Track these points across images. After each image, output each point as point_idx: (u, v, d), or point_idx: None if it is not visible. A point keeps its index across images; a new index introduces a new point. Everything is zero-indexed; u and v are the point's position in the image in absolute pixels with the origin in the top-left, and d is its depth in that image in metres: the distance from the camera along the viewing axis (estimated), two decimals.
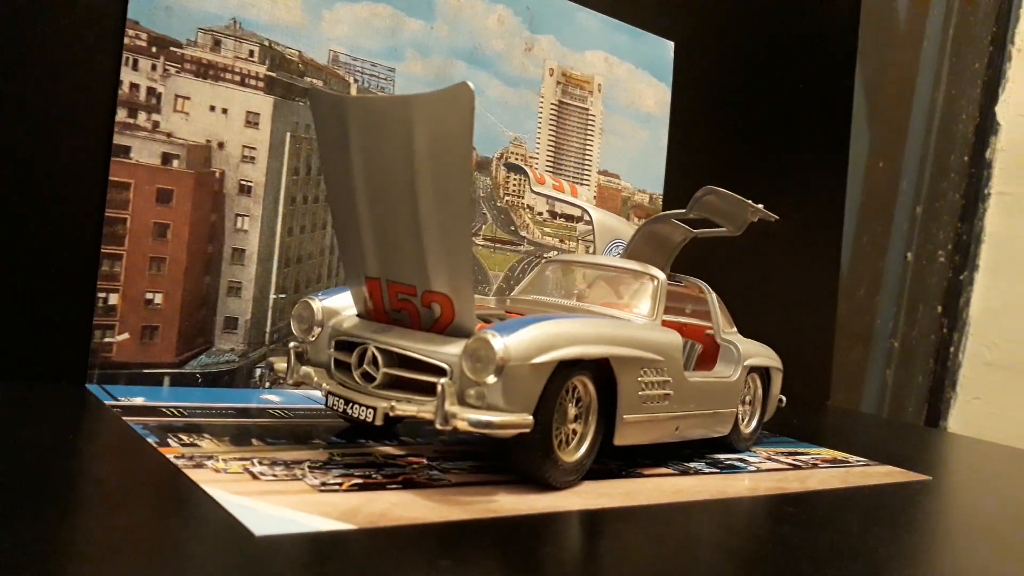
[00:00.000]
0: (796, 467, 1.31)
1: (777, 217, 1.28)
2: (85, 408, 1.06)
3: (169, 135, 1.25)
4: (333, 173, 0.97)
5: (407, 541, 0.73)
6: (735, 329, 1.42)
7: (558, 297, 1.25)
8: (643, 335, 1.07)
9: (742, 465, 1.26)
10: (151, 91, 1.23)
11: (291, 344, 1.02)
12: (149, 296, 1.24)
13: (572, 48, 1.73)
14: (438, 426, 0.85)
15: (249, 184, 1.33)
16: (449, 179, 0.86)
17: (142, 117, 1.23)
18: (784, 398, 1.51)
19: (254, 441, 0.99)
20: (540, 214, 1.71)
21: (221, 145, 1.30)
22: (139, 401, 1.13)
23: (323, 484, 0.85)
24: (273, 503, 0.77)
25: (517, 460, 0.94)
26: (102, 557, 0.60)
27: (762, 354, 1.39)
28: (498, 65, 1.62)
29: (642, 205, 1.86)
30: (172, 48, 1.25)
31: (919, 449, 1.78)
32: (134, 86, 1.22)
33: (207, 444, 0.95)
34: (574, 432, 0.99)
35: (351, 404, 0.92)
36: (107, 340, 1.20)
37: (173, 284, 1.26)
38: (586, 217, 1.39)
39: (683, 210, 1.21)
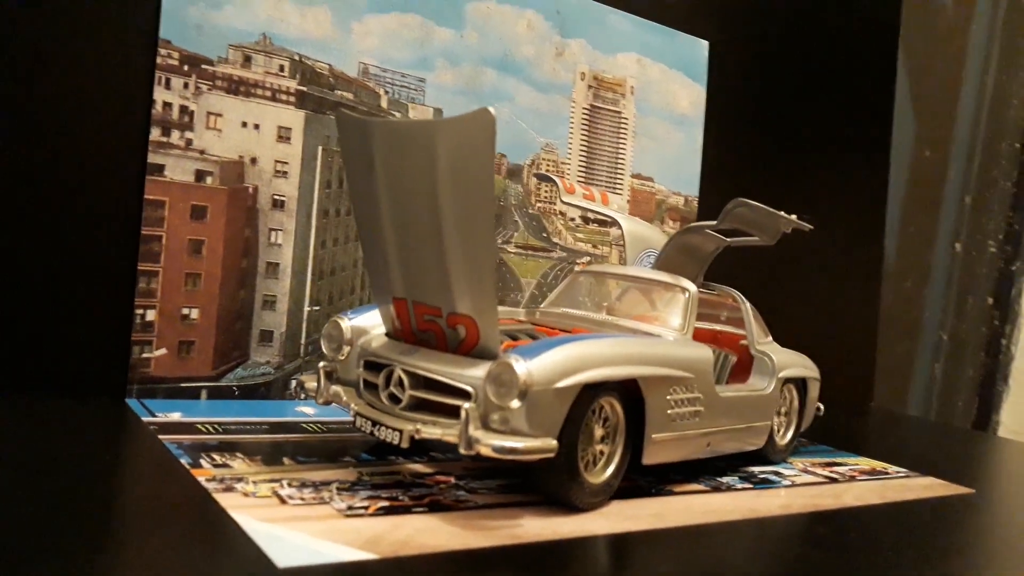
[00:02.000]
0: (832, 480, 1.29)
1: (813, 227, 1.26)
2: (122, 425, 1.09)
3: (202, 152, 1.27)
4: (359, 195, 0.98)
5: (428, 570, 0.73)
6: (770, 339, 1.40)
7: (588, 310, 1.25)
8: (673, 352, 1.06)
9: (776, 479, 1.24)
10: (184, 109, 1.25)
11: (321, 364, 1.03)
12: (185, 311, 1.26)
13: (603, 51, 1.72)
14: (462, 451, 0.86)
15: (282, 199, 1.34)
16: (471, 203, 0.86)
17: (175, 135, 1.25)
18: (822, 407, 1.49)
19: (285, 460, 1.01)
20: (572, 220, 1.70)
21: (254, 161, 1.31)
22: (176, 416, 1.15)
23: (349, 508, 0.86)
24: (299, 530, 0.78)
25: (542, 483, 0.94)
26: None
27: (798, 364, 1.37)
28: (529, 71, 1.61)
29: (677, 208, 1.84)
30: (203, 66, 1.27)
31: (963, 457, 1.74)
32: (167, 105, 1.24)
33: (238, 464, 0.97)
34: (601, 453, 0.99)
35: (378, 426, 0.92)
36: (145, 355, 1.23)
37: (209, 299, 1.28)
38: (618, 227, 1.37)
39: (714, 221, 1.19)
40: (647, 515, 0.98)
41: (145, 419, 1.12)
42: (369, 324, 1.05)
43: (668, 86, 1.82)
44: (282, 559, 0.70)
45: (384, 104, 1.45)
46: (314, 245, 1.38)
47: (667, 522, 0.96)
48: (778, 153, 2.01)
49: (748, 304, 1.35)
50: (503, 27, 1.57)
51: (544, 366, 0.87)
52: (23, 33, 1.14)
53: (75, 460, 0.91)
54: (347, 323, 1.05)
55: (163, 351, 1.24)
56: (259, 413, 1.23)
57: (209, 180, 1.27)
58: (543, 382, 0.87)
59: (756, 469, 1.28)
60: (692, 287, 1.21)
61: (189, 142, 1.26)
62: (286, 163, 1.34)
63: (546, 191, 1.64)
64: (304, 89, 1.35)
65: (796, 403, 1.38)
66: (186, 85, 1.25)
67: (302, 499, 0.87)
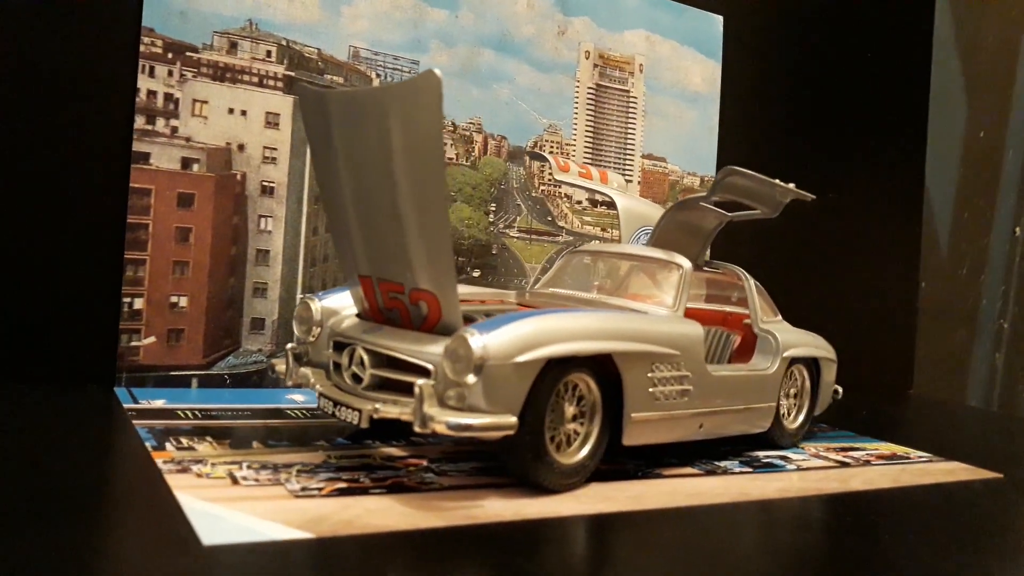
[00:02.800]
0: (844, 464, 1.21)
1: (813, 197, 1.19)
2: (103, 411, 1.09)
3: (188, 139, 1.26)
4: (321, 171, 0.95)
5: (362, 550, 0.70)
6: (779, 317, 1.33)
7: (579, 290, 1.20)
8: (655, 328, 1.01)
9: (781, 464, 1.18)
10: (168, 97, 1.25)
11: (289, 346, 1.01)
12: (174, 299, 1.26)
13: (609, 28, 1.67)
14: (417, 429, 0.82)
15: (271, 185, 1.33)
16: (423, 172, 0.83)
17: (160, 123, 1.25)
18: (840, 389, 1.41)
19: (255, 444, 0.99)
20: (579, 203, 1.65)
21: (241, 147, 1.30)
22: (159, 404, 1.15)
23: (303, 489, 0.84)
24: (242, 510, 0.76)
25: (509, 463, 0.90)
26: (33, 564, 0.60)
27: (807, 344, 1.30)
28: (529, 51, 1.57)
29: (692, 188, 1.78)
30: (188, 53, 1.26)
31: (1000, 442, 1.64)
32: (151, 93, 1.24)
33: (204, 448, 0.95)
34: (576, 432, 0.94)
35: (339, 406, 0.90)
36: (134, 344, 1.23)
37: (198, 287, 1.27)
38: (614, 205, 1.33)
39: (706, 194, 1.14)
40: (625, 497, 0.93)
41: (126, 405, 1.11)
42: (340, 305, 1.02)
43: (680, 63, 1.76)
44: (209, 537, 0.68)
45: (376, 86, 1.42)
46: (305, 232, 1.36)
47: (644, 504, 0.91)
48: (801, 131, 1.93)
49: (752, 281, 1.28)
50: (500, 7, 1.53)
51: (501, 340, 0.83)
52: (5, 24, 1.15)
53: (40, 445, 0.91)
54: (317, 304, 1.02)
55: (152, 339, 1.24)
56: (248, 400, 1.22)
57: (196, 167, 1.27)
58: (500, 356, 0.83)
59: (762, 453, 1.21)
60: (686, 263, 1.15)
61: (175, 130, 1.26)
62: (275, 149, 1.33)
63: (549, 172, 1.59)
64: (292, 74, 1.34)
65: (808, 384, 1.31)
66: (170, 73, 1.25)
67: (256, 480, 0.85)
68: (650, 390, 0.99)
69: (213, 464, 0.89)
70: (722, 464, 1.13)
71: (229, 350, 1.30)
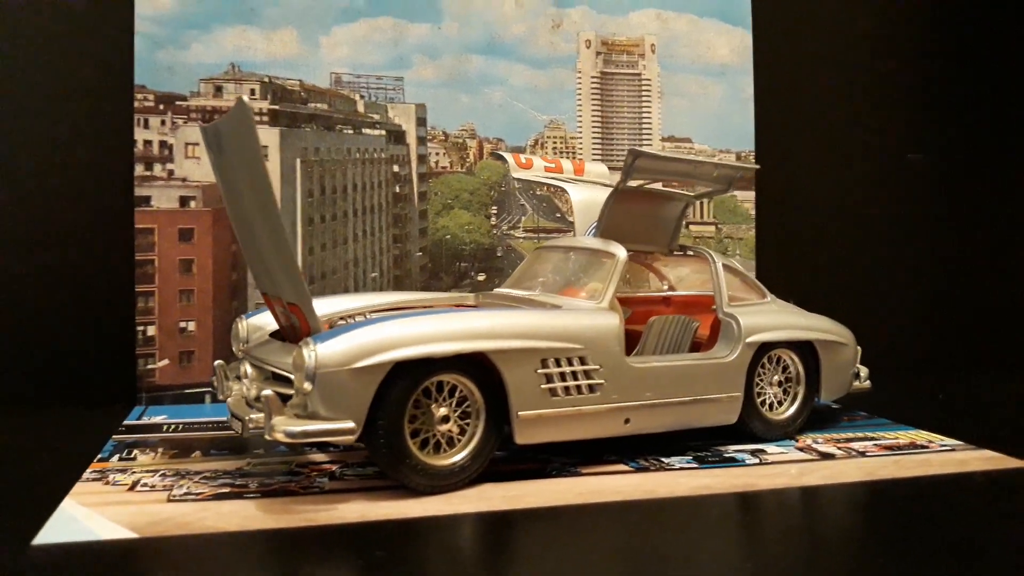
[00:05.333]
0: (827, 456, 1.11)
1: (757, 167, 1.09)
2: (100, 429, 1.23)
3: (184, 180, 1.40)
4: (223, 198, 1.03)
5: (176, 549, 0.76)
6: (768, 299, 1.24)
7: (527, 288, 1.19)
8: (550, 323, 0.99)
9: (743, 458, 1.09)
10: (163, 144, 1.40)
11: (216, 363, 1.09)
12: (183, 325, 1.40)
13: (612, 13, 1.62)
14: (267, 437, 0.87)
15: None
16: (258, 192, 0.88)
17: (158, 168, 1.39)
18: (863, 371, 1.29)
19: (196, 454, 1.09)
20: None
21: None
22: (159, 419, 1.28)
23: (186, 493, 0.91)
24: (103, 513, 0.84)
25: (378, 466, 0.92)
26: None
27: (792, 326, 1.19)
28: (521, 50, 1.57)
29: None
30: (178, 102, 1.40)
31: None
32: (147, 142, 1.39)
33: (144, 458, 1.06)
34: (460, 433, 0.94)
35: (232, 418, 0.97)
36: (150, 367, 1.38)
37: (203, 311, 1.41)
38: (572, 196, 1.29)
39: (620, 180, 1.09)
40: (502, 496, 0.92)
41: (127, 422, 1.26)
42: (264, 322, 1.09)
43: (700, 36, 1.66)
44: (44, 536, 0.77)
45: (360, 108, 1.49)
46: (302, 252, 1.45)
47: (518, 504, 0.90)
48: (849, 92, 1.74)
49: (720, 264, 1.20)
50: (486, 11, 1.55)
51: (335, 348, 0.86)
52: (20, 98, 1.35)
53: (14, 455, 1.07)
54: (244, 322, 1.10)
55: (165, 362, 1.39)
56: None
57: (193, 204, 1.40)
58: (334, 364, 0.86)
59: (735, 447, 1.13)
60: (621, 252, 1.11)
61: (171, 172, 1.40)
62: None
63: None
64: (276, 107, 1.44)
65: (801, 370, 1.21)
66: (163, 122, 1.40)
67: (151, 487, 0.94)
68: (543, 387, 0.97)
69: (133, 472, 0.99)
70: (670, 460, 1.07)
71: None
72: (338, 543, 0.79)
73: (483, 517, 0.87)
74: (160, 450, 1.10)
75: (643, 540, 0.83)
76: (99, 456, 1.06)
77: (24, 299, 1.35)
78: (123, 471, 1.00)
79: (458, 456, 0.94)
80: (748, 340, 1.13)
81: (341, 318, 1.10)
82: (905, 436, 1.22)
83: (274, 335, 1.05)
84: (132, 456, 1.07)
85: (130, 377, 1.37)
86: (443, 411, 0.93)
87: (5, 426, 1.23)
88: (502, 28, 1.56)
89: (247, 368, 0.98)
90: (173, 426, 1.23)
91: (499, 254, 1.56)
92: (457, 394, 0.94)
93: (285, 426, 0.85)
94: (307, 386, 0.86)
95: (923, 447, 1.16)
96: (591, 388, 1.00)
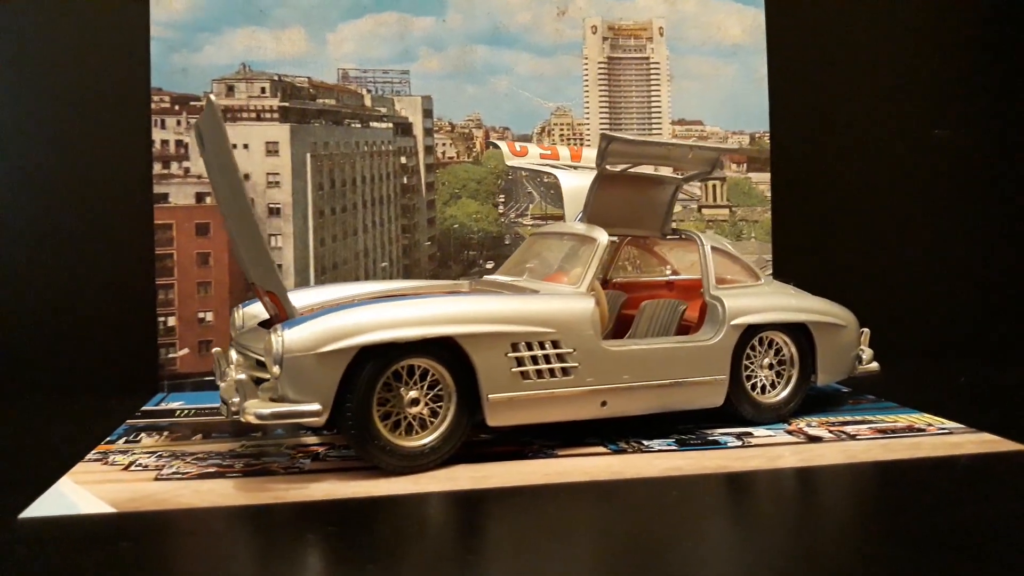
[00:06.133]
0: (814, 440, 1.09)
1: (733, 149, 1.08)
2: (121, 415, 1.30)
3: (200, 176, 1.46)
4: (213, 193, 1.08)
5: (145, 523, 0.81)
6: (761, 281, 1.23)
7: (514, 274, 1.21)
8: (517, 308, 1.01)
9: (727, 440, 1.09)
10: (179, 143, 1.46)
11: (214, 350, 1.14)
12: (201, 315, 1.47)
13: None
14: (243, 420, 0.92)
15: (277, 206, 1.49)
16: (231, 182, 0.93)
17: (175, 166, 1.46)
18: (866, 352, 1.26)
19: (197, 436, 1.14)
20: None
21: (247, 176, 1.48)
22: (176, 405, 1.35)
23: (174, 473, 0.97)
24: (92, 491, 0.90)
25: (350, 448, 0.96)
26: None
27: (785, 307, 1.18)
28: (526, 39, 1.58)
29: (742, 148, 1.65)
30: (192, 102, 1.47)
31: None
32: (164, 142, 1.46)
33: (148, 440, 1.12)
34: (432, 415, 0.97)
35: (220, 404, 1.02)
36: (171, 356, 1.46)
37: (220, 303, 1.47)
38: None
39: (596, 163, 1.09)
40: (470, 477, 0.94)
41: (145, 407, 1.33)
42: (259, 311, 1.14)
43: (710, 18, 1.65)
44: (32, 511, 0.84)
45: (368, 103, 1.53)
46: (313, 244, 1.51)
47: (482, 484, 0.92)
48: (869, 74, 1.70)
49: (709, 247, 1.20)
50: (490, 1, 1.56)
51: (302, 334, 0.90)
52: (46, 104, 1.44)
53: (41, 438, 1.14)
54: (240, 311, 1.16)
55: (185, 351, 1.46)
56: None
57: (208, 200, 1.47)
58: (300, 349, 0.89)
59: (721, 430, 1.13)
60: (602, 237, 1.12)
61: (187, 170, 1.47)
62: (277, 173, 1.49)
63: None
64: (286, 104, 1.49)
65: (794, 352, 1.19)
66: (179, 122, 1.46)
67: (145, 467, 1.00)
68: (514, 370, 0.99)
69: (133, 454, 1.06)
70: (651, 443, 1.08)
71: None
72: (301, 520, 0.83)
73: (447, 496, 0.89)
74: (166, 433, 1.16)
75: (598, 520, 0.85)
76: (107, 439, 1.13)
77: (51, 292, 1.44)
78: (124, 452, 1.06)
79: (428, 438, 0.97)
80: (733, 323, 1.13)
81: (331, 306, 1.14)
82: (906, 419, 1.19)
83: (264, 323, 1.10)
84: (138, 439, 1.13)
85: (152, 366, 1.45)
86: (413, 394, 0.96)
87: (34, 412, 1.31)
88: (507, 17, 1.57)
89: (233, 355, 1.03)
90: (187, 411, 1.30)
91: (507, 242, 1.58)
92: (429, 378, 0.97)
93: (256, 408, 0.90)
94: (276, 370, 0.90)
95: (920, 431, 1.14)
96: (564, 371, 1.02)
